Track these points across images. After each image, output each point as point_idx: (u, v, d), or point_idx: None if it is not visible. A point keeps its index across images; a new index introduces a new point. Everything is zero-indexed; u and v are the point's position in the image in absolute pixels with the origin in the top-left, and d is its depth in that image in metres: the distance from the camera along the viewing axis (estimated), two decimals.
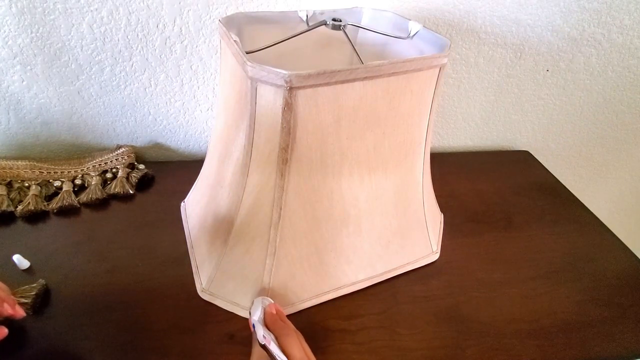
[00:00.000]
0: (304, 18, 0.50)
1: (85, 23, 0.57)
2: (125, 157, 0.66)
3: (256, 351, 0.40)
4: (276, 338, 0.39)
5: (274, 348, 0.37)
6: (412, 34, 0.49)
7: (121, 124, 0.69)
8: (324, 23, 0.48)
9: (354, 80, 0.36)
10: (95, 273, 0.50)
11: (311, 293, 0.49)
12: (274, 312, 0.42)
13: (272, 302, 0.43)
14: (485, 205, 0.70)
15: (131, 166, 0.67)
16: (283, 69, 0.33)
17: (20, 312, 0.40)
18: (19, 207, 0.57)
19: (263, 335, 0.38)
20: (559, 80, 0.80)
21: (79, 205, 0.60)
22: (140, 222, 0.59)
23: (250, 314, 0.41)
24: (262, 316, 0.41)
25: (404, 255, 0.54)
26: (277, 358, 0.36)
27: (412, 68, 0.39)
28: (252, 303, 0.43)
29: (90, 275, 0.50)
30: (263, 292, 0.46)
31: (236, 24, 0.46)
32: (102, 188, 0.62)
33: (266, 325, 0.40)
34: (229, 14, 0.47)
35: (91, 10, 0.56)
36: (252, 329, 0.40)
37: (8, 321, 0.43)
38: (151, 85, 0.65)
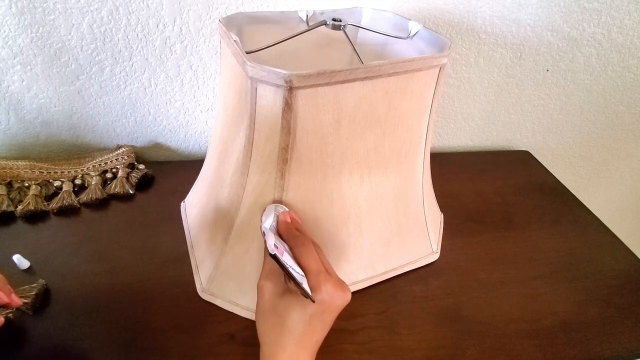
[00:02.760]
0: (304, 18, 0.50)
1: (85, 23, 0.57)
2: (125, 157, 0.66)
3: (267, 263, 0.36)
4: (290, 249, 0.35)
5: (286, 259, 0.32)
6: (412, 34, 0.49)
7: (121, 124, 0.69)
8: (324, 23, 0.48)
9: (354, 80, 0.36)
10: (95, 273, 0.50)
11: None
12: (289, 220, 0.37)
13: (287, 209, 0.38)
14: (485, 205, 0.69)
15: (131, 166, 0.67)
16: (283, 69, 0.33)
17: (16, 301, 0.39)
18: (19, 207, 0.57)
19: (275, 245, 0.33)
20: (559, 80, 0.80)
21: (79, 205, 0.60)
22: (140, 222, 0.58)
23: (261, 221, 0.37)
24: (274, 224, 0.37)
25: (404, 255, 0.54)
26: (290, 271, 0.32)
27: (412, 68, 0.39)
28: (264, 210, 0.38)
29: (90, 275, 0.50)
30: None
31: (236, 24, 0.46)
32: (102, 188, 0.62)
33: (279, 235, 0.36)
34: (229, 14, 0.47)
35: (91, 10, 0.56)
36: (263, 238, 0.35)
37: (8, 321, 0.44)
38: (151, 85, 0.65)
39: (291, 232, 0.36)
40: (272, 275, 0.36)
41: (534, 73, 0.78)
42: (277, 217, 0.37)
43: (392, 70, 0.37)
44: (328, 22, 0.48)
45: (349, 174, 0.43)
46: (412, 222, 0.53)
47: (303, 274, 0.34)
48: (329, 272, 0.35)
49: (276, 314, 0.35)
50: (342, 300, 0.35)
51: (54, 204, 0.58)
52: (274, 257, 0.32)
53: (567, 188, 0.76)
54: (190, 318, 0.47)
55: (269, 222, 0.36)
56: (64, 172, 0.63)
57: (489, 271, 0.57)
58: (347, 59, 0.55)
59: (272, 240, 0.32)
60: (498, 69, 0.76)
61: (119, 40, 0.59)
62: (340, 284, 0.35)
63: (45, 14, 0.55)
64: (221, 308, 0.48)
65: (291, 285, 0.36)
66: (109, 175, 0.64)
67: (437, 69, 0.42)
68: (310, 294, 0.33)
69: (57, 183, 0.61)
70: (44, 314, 0.45)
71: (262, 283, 0.36)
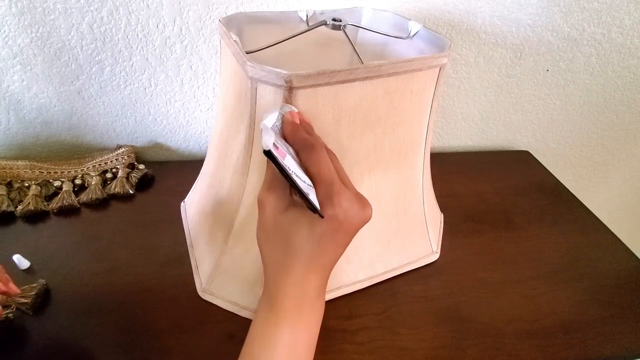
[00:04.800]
0: (304, 18, 0.50)
1: (85, 23, 0.57)
2: (125, 157, 0.66)
3: (269, 173, 0.31)
4: (297, 154, 0.29)
5: (289, 164, 0.26)
6: (412, 34, 0.49)
7: (121, 124, 0.69)
8: (324, 23, 0.48)
9: (354, 80, 0.36)
10: (95, 273, 0.50)
11: None
12: (297, 121, 0.31)
13: (296, 110, 0.32)
14: (485, 205, 0.69)
15: (131, 166, 0.67)
16: (283, 69, 0.33)
17: (13, 289, 0.38)
18: (19, 207, 0.57)
19: (274, 143, 0.26)
20: (559, 80, 0.80)
21: (79, 205, 0.60)
22: (140, 222, 0.58)
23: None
24: (278, 125, 0.30)
25: (404, 255, 0.54)
26: (293, 177, 0.26)
27: (412, 68, 0.39)
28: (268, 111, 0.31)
29: (90, 275, 0.50)
30: None
31: (236, 24, 0.46)
32: (102, 188, 0.62)
33: (284, 138, 0.30)
34: (229, 14, 0.47)
35: (91, 10, 0.56)
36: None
37: (8, 321, 0.44)
38: (151, 85, 0.65)
39: (299, 135, 0.29)
40: (275, 187, 0.31)
41: (534, 73, 0.78)
42: (283, 116, 0.30)
43: (392, 70, 0.37)
44: (328, 22, 0.48)
45: (348, 173, 0.42)
46: (412, 222, 0.53)
47: (311, 183, 0.28)
48: (345, 183, 0.29)
49: (280, 232, 0.30)
50: (360, 218, 0.29)
51: (54, 204, 0.58)
52: (269, 155, 0.25)
53: (567, 188, 0.76)
54: (190, 318, 0.46)
55: (270, 120, 0.29)
56: (64, 172, 0.63)
57: (489, 271, 0.57)
58: (347, 59, 0.55)
59: (269, 137, 0.25)
60: (498, 69, 0.76)
61: (119, 40, 0.59)
62: (359, 197, 0.30)
63: (45, 14, 0.55)
64: (221, 308, 0.48)
65: (297, 198, 0.31)
66: (109, 175, 0.64)
67: (437, 69, 0.42)
68: (319, 207, 0.28)
69: (57, 183, 0.61)
70: (44, 314, 0.45)
71: (263, 196, 0.31)
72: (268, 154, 0.25)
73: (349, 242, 0.31)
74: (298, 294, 0.31)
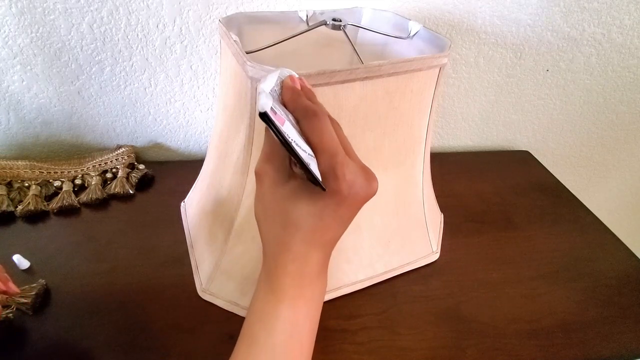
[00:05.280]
0: (304, 18, 0.50)
1: (85, 23, 0.57)
2: (125, 157, 0.66)
3: (267, 143, 0.29)
4: (297, 122, 0.26)
5: (289, 132, 0.24)
6: (412, 34, 0.49)
7: (121, 124, 0.69)
8: (324, 23, 0.48)
9: (354, 80, 0.36)
10: (95, 273, 0.50)
11: None
12: (298, 87, 0.28)
13: (296, 75, 0.29)
14: (485, 205, 0.69)
15: (131, 166, 0.67)
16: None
17: (13, 289, 0.38)
18: (19, 207, 0.57)
19: (272, 108, 0.23)
20: (559, 80, 0.80)
21: (79, 205, 0.60)
22: (140, 222, 0.58)
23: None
24: (277, 90, 0.27)
25: (404, 255, 0.54)
26: (293, 146, 0.24)
27: (412, 68, 0.39)
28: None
29: (90, 275, 0.50)
30: None
31: (236, 24, 0.46)
32: (102, 188, 0.62)
33: (283, 105, 0.27)
34: (229, 14, 0.47)
35: (91, 10, 0.56)
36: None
37: (8, 321, 0.44)
38: (151, 85, 0.65)
39: (300, 101, 0.26)
40: (274, 158, 0.29)
41: (534, 73, 0.78)
42: (282, 81, 0.27)
43: (392, 70, 0.37)
44: (328, 22, 0.48)
45: None
46: (412, 222, 0.53)
47: (312, 153, 0.26)
48: (349, 155, 0.27)
49: (279, 206, 0.29)
50: (365, 192, 0.27)
51: (54, 204, 0.58)
52: (266, 118, 0.23)
53: (567, 188, 0.76)
54: (190, 318, 0.47)
55: (268, 84, 0.26)
56: (64, 172, 0.63)
57: (489, 271, 0.57)
58: (347, 59, 0.55)
59: (266, 100, 0.23)
60: (498, 69, 0.76)
61: (119, 40, 0.59)
62: (364, 169, 0.28)
63: (45, 14, 0.55)
64: (221, 308, 0.48)
65: (297, 170, 0.29)
66: (109, 175, 0.64)
67: (437, 69, 0.42)
68: (320, 179, 0.26)
69: (57, 183, 0.61)
70: (44, 314, 0.45)
71: (260, 167, 0.29)
72: (264, 117, 0.23)
73: (353, 218, 0.29)
74: (298, 271, 0.29)
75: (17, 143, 0.66)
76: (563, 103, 0.85)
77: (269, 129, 0.24)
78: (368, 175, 0.28)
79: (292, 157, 0.25)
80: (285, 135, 0.24)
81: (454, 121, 0.83)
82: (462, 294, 0.53)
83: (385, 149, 0.44)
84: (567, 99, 0.84)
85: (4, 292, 0.38)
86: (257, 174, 0.30)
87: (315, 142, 0.25)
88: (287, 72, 0.28)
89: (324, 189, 0.26)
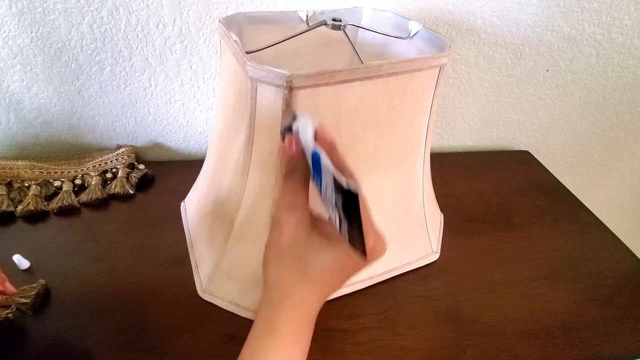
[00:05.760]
0: (304, 18, 0.50)
1: (85, 23, 0.57)
2: (125, 157, 0.66)
3: (288, 193, 0.29)
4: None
5: (325, 162, 0.25)
6: (412, 34, 0.49)
7: (121, 124, 0.69)
8: (324, 23, 0.48)
9: (354, 80, 0.36)
10: (95, 273, 0.50)
11: None
12: (333, 141, 0.29)
13: (317, 122, 0.30)
14: (485, 205, 0.69)
15: (131, 166, 0.67)
16: (283, 69, 0.33)
17: (10, 289, 0.38)
18: (19, 207, 0.57)
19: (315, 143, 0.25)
20: (559, 80, 0.80)
21: (79, 205, 0.60)
22: (140, 222, 0.58)
23: (291, 128, 0.29)
24: (311, 137, 0.28)
25: (404, 255, 0.54)
26: (331, 172, 0.24)
27: (412, 68, 0.39)
28: (294, 118, 0.29)
29: (90, 275, 0.50)
30: None
31: (236, 24, 0.46)
32: (102, 188, 0.62)
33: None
34: (229, 14, 0.47)
35: (91, 10, 0.56)
36: (285, 144, 0.27)
37: (8, 321, 0.44)
38: (151, 85, 0.65)
39: (336, 156, 0.27)
40: (296, 209, 0.29)
41: (534, 73, 0.78)
42: (316, 131, 0.28)
43: (392, 70, 0.37)
44: (328, 22, 0.48)
45: None
46: (412, 222, 0.53)
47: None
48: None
49: (297, 255, 0.29)
50: (380, 257, 0.28)
51: (54, 204, 0.58)
52: (313, 158, 0.23)
53: (567, 188, 0.76)
54: (190, 318, 0.47)
55: (308, 131, 0.26)
56: (64, 172, 0.63)
57: (489, 271, 0.57)
58: (347, 59, 0.55)
59: (310, 139, 0.23)
60: (498, 69, 0.76)
61: (119, 40, 0.59)
62: (382, 236, 0.29)
63: (45, 14, 0.55)
64: (221, 308, 0.48)
65: (321, 224, 0.30)
66: (109, 175, 0.64)
67: (437, 69, 0.42)
68: (361, 249, 0.26)
69: (57, 183, 0.61)
70: (44, 314, 0.45)
71: (282, 216, 0.29)
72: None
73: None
74: (300, 319, 0.30)
75: (17, 143, 0.66)
76: (563, 103, 0.85)
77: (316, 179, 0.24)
78: (383, 242, 0.28)
79: (336, 220, 0.26)
80: (324, 164, 0.24)
81: (454, 121, 0.83)
82: (462, 294, 0.53)
83: (385, 149, 0.43)
84: (567, 99, 0.84)
85: (1, 292, 0.38)
86: (277, 222, 0.30)
87: (364, 217, 0.26)
88: (316, 121, 0.28)
89: (364, 256, 0.26)
